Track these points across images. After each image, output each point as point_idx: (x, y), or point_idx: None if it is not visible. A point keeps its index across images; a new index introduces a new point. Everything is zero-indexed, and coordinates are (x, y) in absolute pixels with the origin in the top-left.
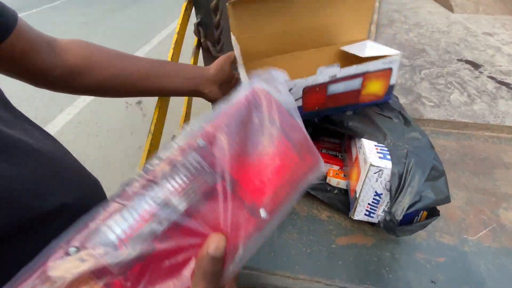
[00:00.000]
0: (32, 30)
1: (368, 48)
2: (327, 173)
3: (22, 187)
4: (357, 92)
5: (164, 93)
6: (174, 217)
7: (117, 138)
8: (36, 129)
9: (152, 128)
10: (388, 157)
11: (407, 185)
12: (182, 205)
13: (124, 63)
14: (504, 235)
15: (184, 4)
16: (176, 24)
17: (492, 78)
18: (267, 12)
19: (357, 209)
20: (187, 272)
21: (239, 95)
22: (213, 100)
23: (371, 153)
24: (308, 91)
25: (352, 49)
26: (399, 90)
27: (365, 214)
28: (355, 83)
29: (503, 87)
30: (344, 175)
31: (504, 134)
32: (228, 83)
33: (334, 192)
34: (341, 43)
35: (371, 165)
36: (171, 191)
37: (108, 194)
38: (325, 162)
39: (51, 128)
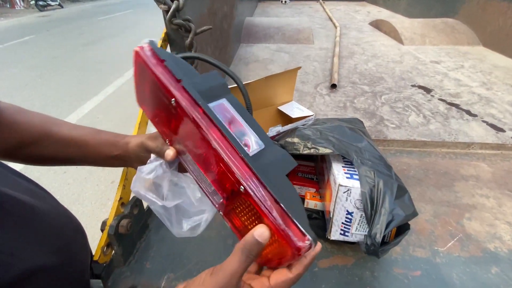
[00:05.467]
0: None
1: (295, 109)
2: (304, 196)
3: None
4: None
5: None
6: None
7: (87, 174)
8: (10, 172)
9: None
10: (356, 176)
11: (380, 207)
12: None
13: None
14: (470, 244)
15: (159, 42)
16: None
17: (442, 100)
18: (235, 94)
19: (332, 229)
20: None
21: None
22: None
23: (339, 173)
24: None
25: (284, 108)
26: (364, 114)
27: (341, 234)
28: None
29: (453, 107)
30: (320, 197)
31: (458, 150)
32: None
33: (312, 217)
34: (278, 104)
35: (339, 185)
36: None
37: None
38: (302, 185)
39: (14, 166)
